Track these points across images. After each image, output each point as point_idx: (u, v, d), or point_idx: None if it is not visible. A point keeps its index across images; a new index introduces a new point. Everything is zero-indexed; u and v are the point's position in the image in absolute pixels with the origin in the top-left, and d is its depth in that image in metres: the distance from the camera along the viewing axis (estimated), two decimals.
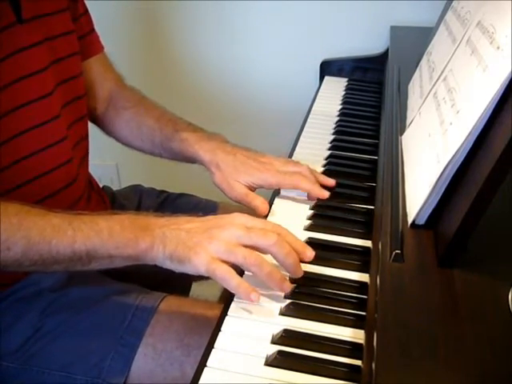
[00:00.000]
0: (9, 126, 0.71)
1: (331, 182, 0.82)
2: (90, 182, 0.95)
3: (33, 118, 0.75)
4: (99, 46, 0.95)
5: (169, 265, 0.62)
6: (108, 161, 1.63)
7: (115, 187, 1.07)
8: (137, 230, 0.63)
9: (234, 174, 0.81)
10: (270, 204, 0.81)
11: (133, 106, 0.96)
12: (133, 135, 0.95)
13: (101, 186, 1.01)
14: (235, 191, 0.81)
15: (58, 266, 0.64)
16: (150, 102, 0.97)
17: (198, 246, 0.61)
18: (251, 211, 0.77)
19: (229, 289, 0.61)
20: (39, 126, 0.75)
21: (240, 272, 0.63)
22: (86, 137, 0.90)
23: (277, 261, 0.63)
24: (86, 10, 0.92)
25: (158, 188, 1.08)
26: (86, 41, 0.91)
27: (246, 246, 0.62)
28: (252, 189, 0.81)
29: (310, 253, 0.64)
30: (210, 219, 0.66)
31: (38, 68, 0.75)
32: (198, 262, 0.60)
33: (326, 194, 0.79)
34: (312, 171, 0.82)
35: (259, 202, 0.79)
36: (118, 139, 0.98)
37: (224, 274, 0.60)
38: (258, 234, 0.62)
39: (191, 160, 0.88)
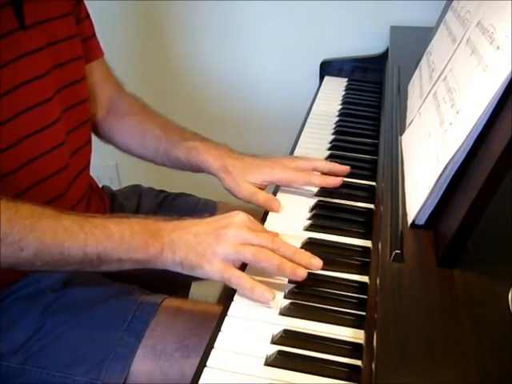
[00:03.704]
0: (9, 132, 0.71)
1: (346, 168, 0.84)
2: (90, 183, 0.95)
3: (32, 125, 0.74)
4: (99, 52, 0.95)
5: (180, 270, 0.65)
6: (108, 161, 1.63)
7: (115, 187, 1.07)
8: (147, 236, 0.64)
9: (243, 175, 0.82)
10: None
11: (136, 113, 0.96)
12: (135, 142, 0.95)
13: (100, 185, 1.01)
14: (244, 190, 0.81)
15: (68, 268, 0.65)
16: (153, 110, 0.97)
17: (208, 250, 0.63)
18: (255, 212, 0.76)
19: (244, 293, 0.63)
20: (38, 132, 0.75)
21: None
22: (88, 142, 0.90)
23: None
24: (88, 15, 0.92)
25: (158, 188, 1.08)
26: (87, 46, 0.90)
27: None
28: (262, 187, 0.82)
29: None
30: (215, 220, 0.68)
31: (39, 74, 0.75)
32: (211, 270, 0.63)
33: (339, 182, 0.80)
34: (324, 162, 0.86)
35: (270, 200, 0.80)
36: (117, 146, 0.98)
37: (238, 280, 0.62)
38: (265, 237, 0.65)
39: (197, 168, 0.88)
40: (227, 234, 0.64)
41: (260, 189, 0.82)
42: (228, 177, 0.83)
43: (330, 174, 0.83)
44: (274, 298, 0.61)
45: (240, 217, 0.67)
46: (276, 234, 0.70)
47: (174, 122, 0.95)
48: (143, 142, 0.94)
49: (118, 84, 0.98)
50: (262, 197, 0.80)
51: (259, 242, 0.64)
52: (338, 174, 0.83)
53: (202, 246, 0.64)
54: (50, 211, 0.65)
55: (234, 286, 0.63)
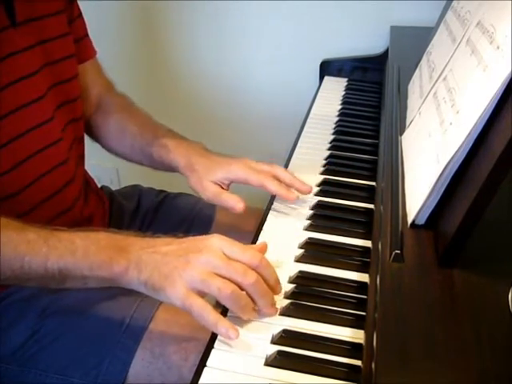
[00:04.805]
0: (4, 130, 0.71)
1: (307, 188, 0.80)
2: (88, 181, 0.94)
3: (27, 122, 0.74)
4: (92, 51, 0.95)
5: (144, 291, 0.61)
6: (108, 162, 1.63)
7: (115, 187, 1.06)
8: (112, 252, 0.61)
9: (208, 174, 0.80)
10: (270, 204, 0.81)
11: (118, 112, 0.95)
12: (116, 141, 0.94)
13: (99, 185, 1.01)
14: (208, 191, 0.80)
15: (31, 282, 0.64)
16: (136, 108, 0.96)
17: (173, 273, 0.58)
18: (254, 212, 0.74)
19: (205, 326, 0.58)
20: (34, 129, 0.75)
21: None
22: (82, 138, 0.90)
23: (251, 298, 0.60)
24: (80, 14, 0.91)
25: (157, 188, 1.08)
26: (80, 45, 0.90)
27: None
28: (226, 187, 0.81)
29: (280, 289, 0.63)
30: (188, 241, 0.63)
31: (30, 71, 0.75)
32: (173, 295, 0.58)
33: (292, 197, 0.77)
34: (287, 172, 0.81)
35: (234, 202, 0.78)
36: (103, 145, 0.97)
37: (200, 311, 0.57)
38: (237, 270, 0.59)
39: (169, 167, 0.86)
40: (198, 259, 0.59)
41: (223, 189, 0.80)
42: (193, 175, 0.81)
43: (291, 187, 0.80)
44: (237, 337, 0.56)
45: (216, 241, 0.61)
46: (254, 258, 0.61)
47: (153, 120, 0.93)
48: (122, 140, 0.93)
49: (108, 83, 0.98)
50: (226, 197, 0.78)
51: (230, 274, 0.58)
52: (297, 190, 0.80)
53: (168, 268, 0.59)
54: (14, 223, 0.62)
55: (195, 317, 0.58)
